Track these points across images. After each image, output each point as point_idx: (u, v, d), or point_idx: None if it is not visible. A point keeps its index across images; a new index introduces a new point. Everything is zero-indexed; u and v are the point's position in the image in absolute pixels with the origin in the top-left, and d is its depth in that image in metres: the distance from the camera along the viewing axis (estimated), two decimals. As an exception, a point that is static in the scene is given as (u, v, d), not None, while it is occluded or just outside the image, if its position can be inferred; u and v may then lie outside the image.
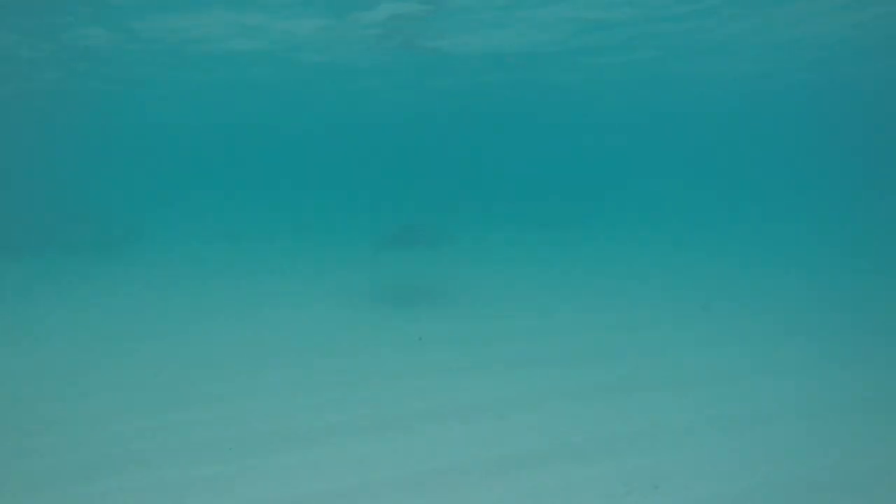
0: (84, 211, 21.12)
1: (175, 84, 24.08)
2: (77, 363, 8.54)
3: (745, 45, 19.53)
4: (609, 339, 9.71)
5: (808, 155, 46.93)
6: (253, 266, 16.06)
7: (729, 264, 16.42)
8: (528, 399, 7.32)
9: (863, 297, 12.41)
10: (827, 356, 8.76)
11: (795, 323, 10.51)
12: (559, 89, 26.24)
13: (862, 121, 37.82)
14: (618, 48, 19.98)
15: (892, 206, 27.89)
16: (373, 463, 5.82)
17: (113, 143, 39.58)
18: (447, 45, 18.60)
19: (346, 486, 5.43)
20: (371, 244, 12.48)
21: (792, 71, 24.46)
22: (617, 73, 23.73)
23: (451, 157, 51.50)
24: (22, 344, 9.38)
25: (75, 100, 26.32)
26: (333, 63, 21.00)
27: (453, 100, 28.25)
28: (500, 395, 7.45)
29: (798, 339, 9.61)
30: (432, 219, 22.24)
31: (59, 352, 9.02)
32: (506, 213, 26.78)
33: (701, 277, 14.66)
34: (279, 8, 15.14)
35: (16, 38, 16.96)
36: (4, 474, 5.55)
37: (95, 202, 23.78)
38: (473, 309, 11.73)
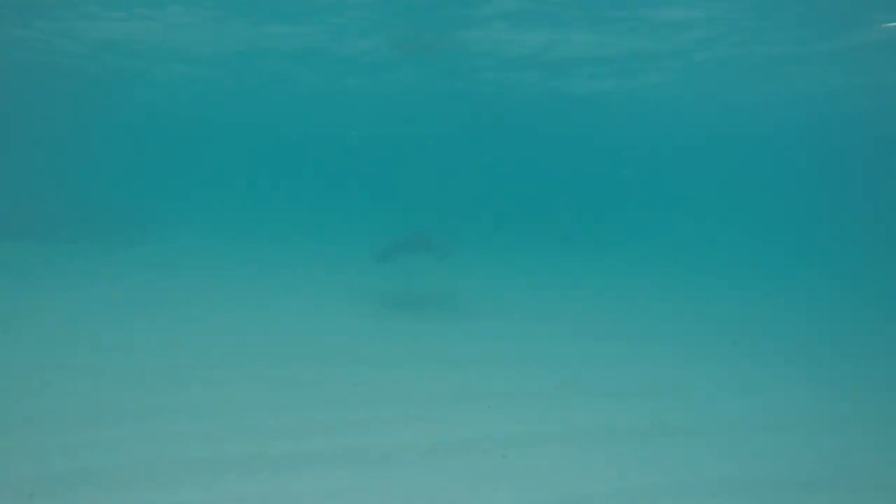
0: (93, 201, 20.72)
1: (191, 77, 23.81)
2: (52, 361, 7.87)
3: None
4: (629, 373, 8.98)
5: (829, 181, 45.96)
6: (256, 266, 15.45)
7: (751, 292, 15.66)
8: (536, 438, 6.55)
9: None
10: (864, 413, 7.94)
11: (826, 371, 9.74)
12: (582, 100, 25.75)
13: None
14: (641, 68, 19.61)
15: None
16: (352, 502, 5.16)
17: (124, 136, 39.36)
18: (464, 48, 18.16)
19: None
20: (373, 250, 11.81)
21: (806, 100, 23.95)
22: (640, 90, 23.23)
23: (467, 164, 50.95)
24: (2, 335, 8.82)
25: (86, 88, 26.08)
26: (347, 64, 20.64)
27: (469, 106, 27.82)
28: (505, 431, 6.67)
29: (830, 390, 8.81)
30: (443, 226, 21.69)
31: (36, 346, 8.34)
32: (520, 225, 26.13)
33: (723, 306, 13.94)
34: (293, 12, 14.84)
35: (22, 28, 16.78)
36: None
37: (104, 193, 23.41)
38: (483, 326, 11.02)
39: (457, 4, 14.01)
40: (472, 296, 13.46)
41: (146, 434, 6.03)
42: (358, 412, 6.91)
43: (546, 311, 12.50)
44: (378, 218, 26.80)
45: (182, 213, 24.54)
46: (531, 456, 6.12)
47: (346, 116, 33.32)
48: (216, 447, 5.88)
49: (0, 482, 5.07)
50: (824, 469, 6.23)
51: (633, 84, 22.28)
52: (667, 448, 6.47)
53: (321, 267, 16.04)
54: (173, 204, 26.20)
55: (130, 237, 17.91)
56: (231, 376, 7.70)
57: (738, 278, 17.69)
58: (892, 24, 14.14)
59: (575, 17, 14.79)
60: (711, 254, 22.61)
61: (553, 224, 25.62)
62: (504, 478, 5.67)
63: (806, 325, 12.32)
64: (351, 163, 53.07)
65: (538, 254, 20.52)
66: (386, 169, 52.34)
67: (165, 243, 17.94)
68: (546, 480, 5.68)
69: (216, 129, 41.72)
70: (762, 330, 11.76)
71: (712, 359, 9.75)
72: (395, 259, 11.71)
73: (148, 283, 12.73)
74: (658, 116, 29.75)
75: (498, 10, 14.24)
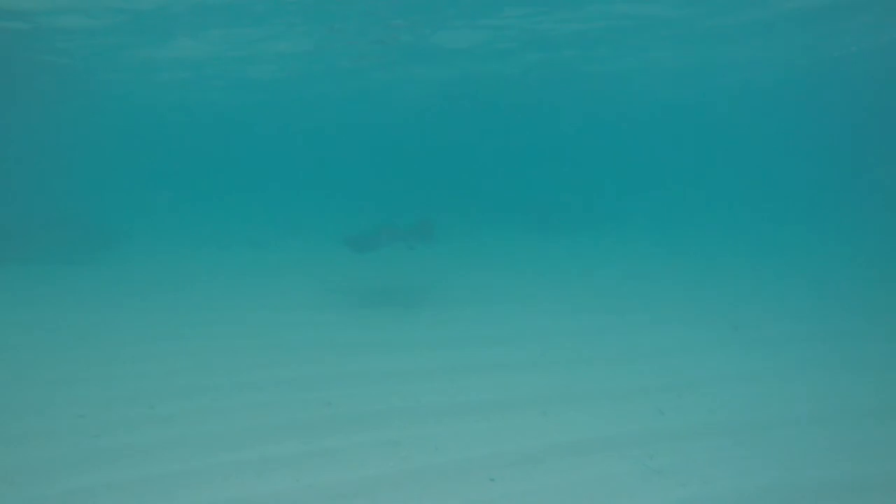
0: (62, 215, 19.68)
1: (162, 83, 22.83)
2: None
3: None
4: (627, 372, 8.26)
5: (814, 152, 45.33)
6: (226, 274, 14.57)
7: (747, 273, 15.03)
8: (528, 456, 5.81)
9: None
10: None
11: (838, 355, 9.07)
12: (561, 84, 25.03)
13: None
14: (623, 46, 18.84)
15: None
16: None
17: (93, 144, 38.14)
18: (440, 36, 17.30)
19: None
20: (348, 241, 11.01)
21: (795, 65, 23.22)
22: (623, 67, 22.48)
23: (446, 154, 50.12)
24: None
25: (57, 96, 25.00)
26: (322, 60, 19.79)
27: (448, 93, 27.03)
28: (494, 449, 5.91)
29: (847, 377, 8.15)
30: (418, 214, 20.90)
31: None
32: (504, 215, 25.30)
33: (719, 289, 13.30)
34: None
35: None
36: None
37: (74, 206, 22.44)
38: (467, 325, 10.24)
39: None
40: (452, 289, 12.70)
41: (80, 489, 5.19)
42: (329, 439, 6.12)
43: (534, 304, 11.74)
44: (354, 211, 26.00)
45: (148, 220, 23.50)
46: (524, 479, 5.39)
47: (318, 108, 32.37)
48: (161, 499, 5.08)
49: None
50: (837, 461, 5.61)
51: (619, 58, 21.46)
52: (674, 459, 5.77)
53: (294, 268, 15.21)
54: (135, 214, 25.11)
55: (88, 255, 16.78)
56: (185, 406, 6.83)
57: (730, 259, 17.03)
58: None
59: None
60: (704, 234, 21.98)
61: (540, 209, 24.67)
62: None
63: (808, 308, 11.59)
64: (324, 156, 52.18)
65: (523, 239, 19.79)
66: (359, 160, 51.42)
67: (128, 259, 16.77)
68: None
69: (188, 134, 40.60)
70: (764, 313, 11.09)
71: (713, 348, 9.09)
72: (371, 250, 11.03)
73: (104, 304, 11.74)
74: (646, 92, 28.90)
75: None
